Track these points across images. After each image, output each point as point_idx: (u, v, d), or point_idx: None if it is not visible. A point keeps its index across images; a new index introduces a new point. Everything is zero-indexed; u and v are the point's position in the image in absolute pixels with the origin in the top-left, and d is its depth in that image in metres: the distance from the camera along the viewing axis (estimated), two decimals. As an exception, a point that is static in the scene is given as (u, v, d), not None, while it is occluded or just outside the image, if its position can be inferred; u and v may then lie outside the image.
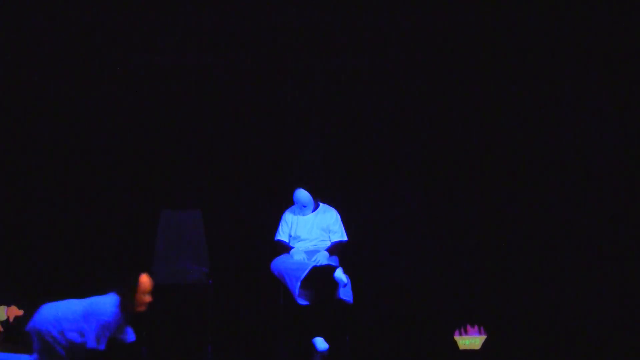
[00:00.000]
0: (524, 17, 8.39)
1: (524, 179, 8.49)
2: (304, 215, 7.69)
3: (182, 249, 7.81)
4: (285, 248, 7.65)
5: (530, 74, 8.46)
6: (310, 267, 7.35)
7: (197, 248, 7.83)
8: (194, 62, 8.38)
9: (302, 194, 7.63)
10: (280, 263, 7.53)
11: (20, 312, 7.67)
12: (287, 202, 7.85)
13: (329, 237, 7.72)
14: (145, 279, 5.95)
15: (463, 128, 8.52)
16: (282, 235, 7.72)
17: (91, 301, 5.93)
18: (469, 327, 6.90)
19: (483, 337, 6.90)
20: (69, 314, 5.87)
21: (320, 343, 7.29)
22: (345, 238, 7.72)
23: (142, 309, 5.98)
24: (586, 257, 8.37)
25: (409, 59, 8.49)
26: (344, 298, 7.38)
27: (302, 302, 7.39)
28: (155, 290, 5.99)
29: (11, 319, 7.67)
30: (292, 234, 7.70)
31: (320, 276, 7.36)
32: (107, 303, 5.87)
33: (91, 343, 5.80)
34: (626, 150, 8.40)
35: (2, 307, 7.68)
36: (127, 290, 5.90)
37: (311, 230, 7.68)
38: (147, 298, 5.96)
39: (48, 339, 5.87)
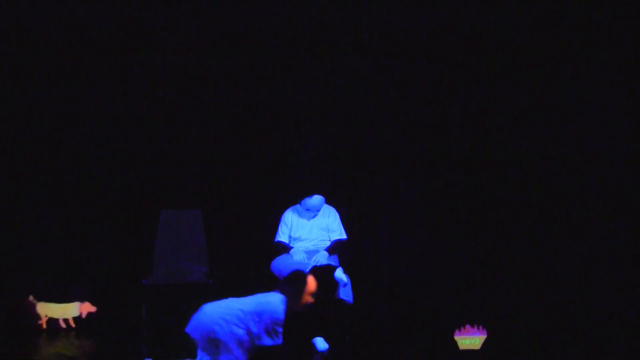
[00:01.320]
0: (524, 15, 8.40)
1: (524, 178, 8.49)
2: (309, 219, 7.69)
3: (182, 249, 7.81)
4: (285, 249, 7.65)
5: (530, 72, 8.46)
6: (310, 267, 7.34)
7: (197, 248, 7.82)
8: (194, 62, 8.38)
9: (317, 200, 7.61)
10: (280, 263, 7.52)
11: (94, 309, 7.66)
12: (287, 202, 7.85)
13: (329, 236, 7.71)
14: (312, 280, 6.11)
15: (463, 127, 8.52)
16: (282, 236, 7.71)
17: (258, 300, 6.02)
18: (468, 327, 6.89)
19: (483, 337, 6.90)
20: (238, 313, 5.96)
21: (320, 343, 7.29)
22: (344, 236, 7.72)
23: (303, 309, 6.11)
24: (586, 257, 8.38)
25: (409, 59, 8.49)
26: (344, 298, 7.38)
27: None
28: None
29: (84, 315, 7.66)
30: (292, 234, 7.69)
31: (320, 276, 7.35)
32: (276, 302, 5.98)
33: (265, 340, 5.94)
34: (627, 150, 8.42)
35: (76, 303, 7.66)
36: (295, 290, 6.03)
37: (311, 231, 7.67)
38: (311, 299, 6.09)
39: (218, 338, 5.97)
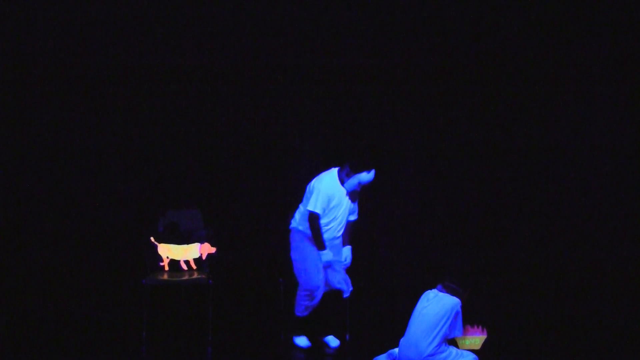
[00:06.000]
0: (523, 14, 8.42)
1: (525, 177, 8.50)
2: (353, 191, 7.37)
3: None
4: (316, 219, 7.23)
5: (529, 70, 8.48)
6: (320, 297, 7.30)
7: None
8: (194, 62, 8.38)
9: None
10: (305, 259, 7.30)
11: (214, 250, 7.61)
12: (288, 201, 7.85)
13: (348, 217, 7.51)
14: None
15: (464, 128, 8.53)
16: (317, 207, 7.21)
17: (446, 312, 6.65)
18: (468, 327, 6.90)
19: (483, 337, 6.90)
20: (443, 331, 6.62)
21: (332, 341, 7.34)
22: (357, 217, 7.54)
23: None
24: (587, 257, 8.39)
25: (408, 59, 8.50)
26: (340, 287, 7.36)
27: (299, 314, 7.37)
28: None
29: (204, 257, 7.62)
30: (328, 211, 7.29)
31: (327, 303, 7.36)
32: (456, 302, 6.73)
33: (453, 334, 6.73)
34: (627, 149, 8.43)
35: (196, 244, 7.63)
36: (464, 292, 6.79)
37: (345, 212, 7.39)
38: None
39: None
